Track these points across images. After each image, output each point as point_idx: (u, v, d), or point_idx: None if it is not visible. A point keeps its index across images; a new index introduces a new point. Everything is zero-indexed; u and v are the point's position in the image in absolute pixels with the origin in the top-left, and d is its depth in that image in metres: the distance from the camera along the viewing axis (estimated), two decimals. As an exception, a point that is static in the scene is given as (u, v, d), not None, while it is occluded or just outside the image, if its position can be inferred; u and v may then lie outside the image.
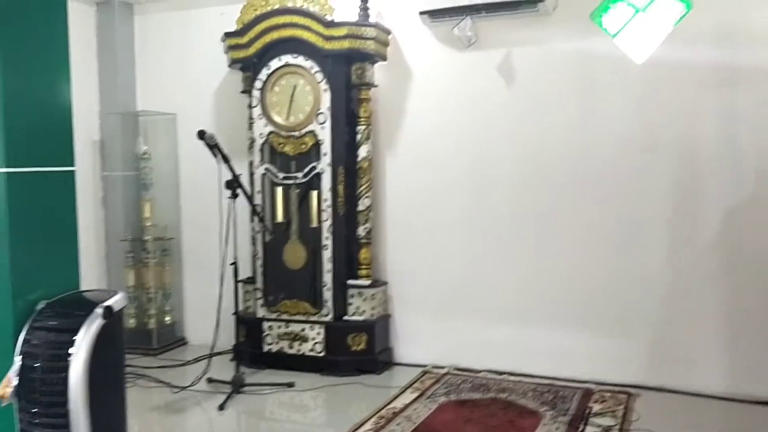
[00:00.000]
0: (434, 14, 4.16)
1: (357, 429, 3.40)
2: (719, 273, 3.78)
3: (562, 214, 4.12)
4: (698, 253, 3.83)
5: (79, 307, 2.45)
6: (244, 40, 4.36)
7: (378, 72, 4.44)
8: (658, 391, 3.86)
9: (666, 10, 3.76)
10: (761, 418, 3.48)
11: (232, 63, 4.53)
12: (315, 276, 4.37)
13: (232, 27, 4.47)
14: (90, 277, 4.88)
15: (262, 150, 4.42)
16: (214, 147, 3.79)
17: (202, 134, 3.75)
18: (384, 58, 4.40)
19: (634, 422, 3.41)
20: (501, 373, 4.21)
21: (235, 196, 3.87)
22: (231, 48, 4.45)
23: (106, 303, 2.42)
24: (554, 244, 4.15)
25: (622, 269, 3.99)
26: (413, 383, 4.09)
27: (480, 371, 4.26)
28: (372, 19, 4.30)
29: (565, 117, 4.08)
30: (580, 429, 3.33)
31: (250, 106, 4.46)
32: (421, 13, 4.19)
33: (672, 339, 3.90)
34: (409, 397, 3.85)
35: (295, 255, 4.41)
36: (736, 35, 3.68)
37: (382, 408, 3.67)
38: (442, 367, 4.35)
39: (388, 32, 4.40)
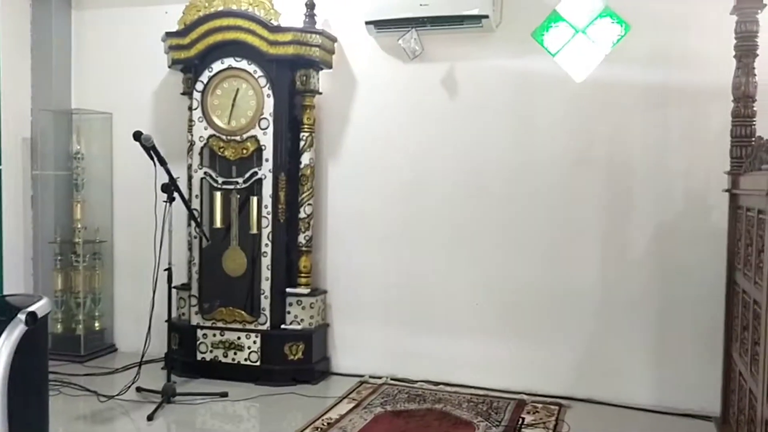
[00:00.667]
0: (380, 25, 4.17)
1: (291, 440, 3.36)
2: (649, 287, 3.91)
3: (499, 227, 4.18)
4: (629, 267, 3.95)
5: (1, 312, 2.35)
6: (186, 41, 4.27)
7: (323, 79, 4.42)
8: (588, 402, 3.96)
9: (605, 31, 3.91)
10: (684, 430, 3.60)
11: (173, 64, 4.43)
12: (253, 283, 4.30)
13: (174, 27, 4.38)
14: (16, 280, 4.72)
15: (201, 153, 4.33)
16: (150, 149, 3.69)
17: (138, 135, 3.64)
18: (329, 66, 4.39)
19: (565, 433, 3.49)
20: (437, 384, 4.23)
21: (171, 200, 3.78)
22: (172, 48, 4.35)
23: (30, 308, 2.33)
24: (491, 256, 4.21)
25: (555, 282, 4.08)
26: (350, 393, 4.07)
27: (417, 381, 4.27)
28: (318, 26, 4.29)
29: (504, 131, 4.15)
30: (512, 440, 3.38)
31: (191, 109, 4.37)
32: (367, 23, 4.18)
33: (602, 351, 4.01)
34: (345, 407, 3.82)
35: (235, 262, 4.33)
36: (668, 58, 3.82)
37: (317, 419, 3.63)
38: (380, 378, 4.34)
39: (334, 40, 4.39)
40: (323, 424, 3.55)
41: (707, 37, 3.69)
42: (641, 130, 3.91)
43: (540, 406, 3.88)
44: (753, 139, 3.17)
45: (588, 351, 4.03)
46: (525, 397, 4.00)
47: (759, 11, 3.19)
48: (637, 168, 3.92)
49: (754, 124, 3.23)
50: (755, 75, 3.21)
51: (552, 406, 3.87)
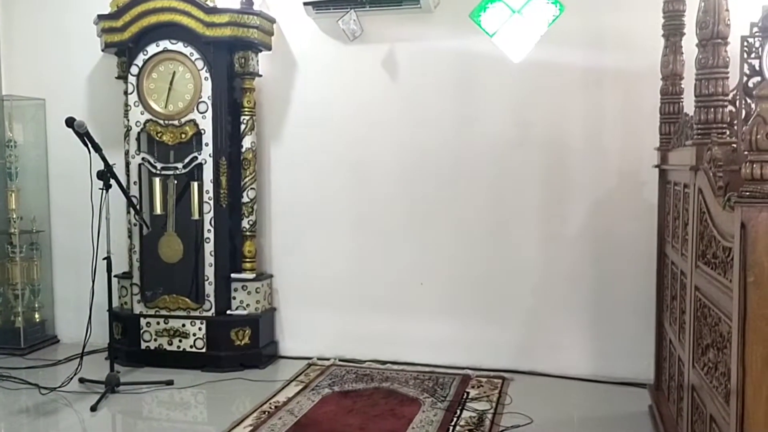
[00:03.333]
0: (318, 6, 4.13)
1: (238, 425, 3.35)
2: (585, 262, 4.03)
3: (441, 208, 4.23)
4: (566, 244, 4.06)
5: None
6: (119, 23, 4.16)
7: (263, 62, 4.37)
8: (530, 374, 4.07)
9: (540, 11, 3.96)
10: (621, 397, 3.75)
11: (106, 47, 4.31)
12: (197, 270, 4.26)
13: (107, 8, 4.25)
14: (-52, 273, 4.55)
15: (138, 139, 4.24)
16: (84, 135, 3.60)
17: (70, 122, 3.55)
18: (268, 48, 4.34)
19: (507, 406, 3.58)
20: (384, 363, 4.28)
21: (107, 187, 3.69)
22: (105, 31, 4.24)
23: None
24: (434, 237, 4.26)
25: (496, 260, 4.16)
26: (297, 376, 4.09)
27: (364, 361, 4.32)
28: (256, 8, 4.22)
29: (445, 112, 4.19)
30: (457, 414, 3.45)
31: (126, 93, 4.27)
32: (305, 3, 4.14)
33: (543, 324, 4.12)
34: (292, 390, 3.84)
35: (171, 248, 4.27)
36: (602, 38, 3.91)
37: (265, 402, 3.64)
38: (328, 359, 4.37)
39: (273, 21, 4.34)
40: (271, 408, 3.56)
41: (639, 18, 3.77)
42: (577, 109, 4.00)
43: (484, 380, 3.98)
44: (680, 115, 3.28)
45: (529, 325, 4.13)
46: (470, 372, 4.09)
47: (685, -10, 3.27)
48: (573, 146, 4.01)
49: (682, 101, 3.32)
50: (682, 53, 3.29)
51: (496, 380, 3.97)
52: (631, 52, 3.83)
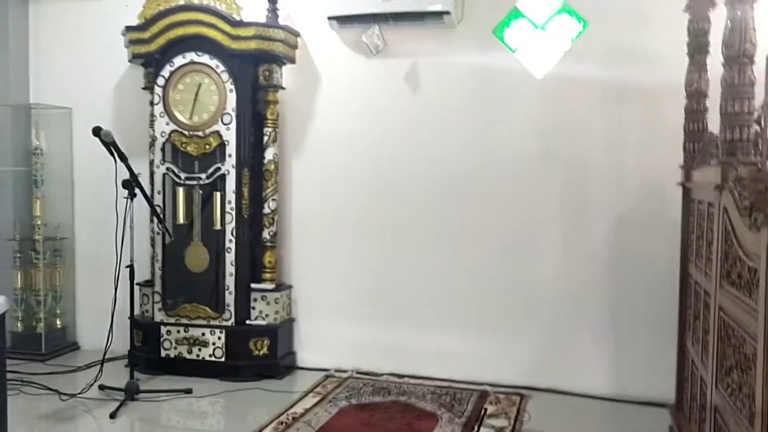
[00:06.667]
0: (342, 20, 4.18)
1: (255, 435, 3.37)
2: (606, 278, 4.00)
3: (461, 221, 4.23)
4: (587, 259, 4.03)
5: (-45, 311, 2.32)
6: (147, 35, 4.23)
7: (286, 74, 4.42)
8: (549, 392, 4.04)
9: (564, 27, 3.97)
10: (641, 417, 3.71)
11: (134, 58, 4.38)
12: (217, 279, 4.29)
13: (135, 20, 4.33)
14: (-27, 277, 4.62)
15: (163, 149, 4.30)
16: (110, 145, 3.65)
17: (97, 131, 3.60)
18: (292, 61, 4.39)
19: (526, 423, 3.55)
20: (402, 376, 4.27)
21: (132, 196, 3.74)
22: (132, 43, 4.31)
23: (-15, 308, 2.30)
24: (453, 251, 4.26)
25: (516, 275, 4.15)
26: (315, 388, 4.09)
27: (382, 375, 4.31)
28: (281, 21, 4.28)
29: (466, 127, 4.20)
30: (474, 430, 3.43)
31: (152, 104, 4.34)
32: (330, 18, 4.19)
33: (563, 342, 4.09)
34: (310, 401, 3.84)
35: (197, 258, 4.31)
36: (625, 55, 3.90)
37: (282, 413, 3.64)
38: (345, 371, 4.37)
39: (297, 35, 4.39)
40: (288, 419, 3.56)
41: (662, 34, 3.76)
42: (599, 125, 3.99)
43: (502, 396, 3.95)
44: (705, 134, 3.25)
45: (549, 342, 4.11)
46: (488, 388, 4.07)
47: (710, 9, 3.26)
48: (595, 163, 4.00)
49: (707, 120, 3.30)
50: (707, 72, 3.28)
51: (514, 397, 3.94)
52: (654, 69, 3.82)
